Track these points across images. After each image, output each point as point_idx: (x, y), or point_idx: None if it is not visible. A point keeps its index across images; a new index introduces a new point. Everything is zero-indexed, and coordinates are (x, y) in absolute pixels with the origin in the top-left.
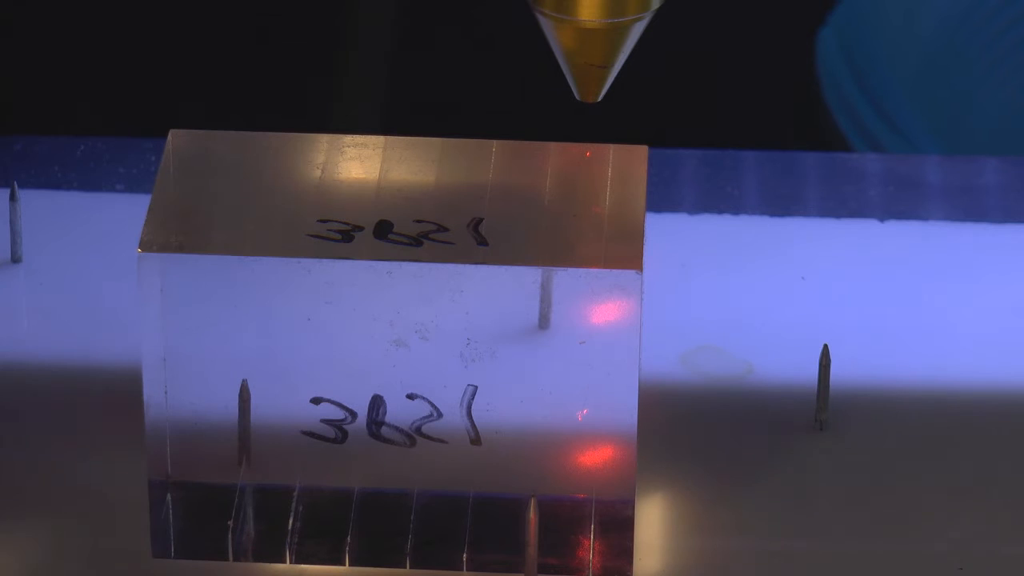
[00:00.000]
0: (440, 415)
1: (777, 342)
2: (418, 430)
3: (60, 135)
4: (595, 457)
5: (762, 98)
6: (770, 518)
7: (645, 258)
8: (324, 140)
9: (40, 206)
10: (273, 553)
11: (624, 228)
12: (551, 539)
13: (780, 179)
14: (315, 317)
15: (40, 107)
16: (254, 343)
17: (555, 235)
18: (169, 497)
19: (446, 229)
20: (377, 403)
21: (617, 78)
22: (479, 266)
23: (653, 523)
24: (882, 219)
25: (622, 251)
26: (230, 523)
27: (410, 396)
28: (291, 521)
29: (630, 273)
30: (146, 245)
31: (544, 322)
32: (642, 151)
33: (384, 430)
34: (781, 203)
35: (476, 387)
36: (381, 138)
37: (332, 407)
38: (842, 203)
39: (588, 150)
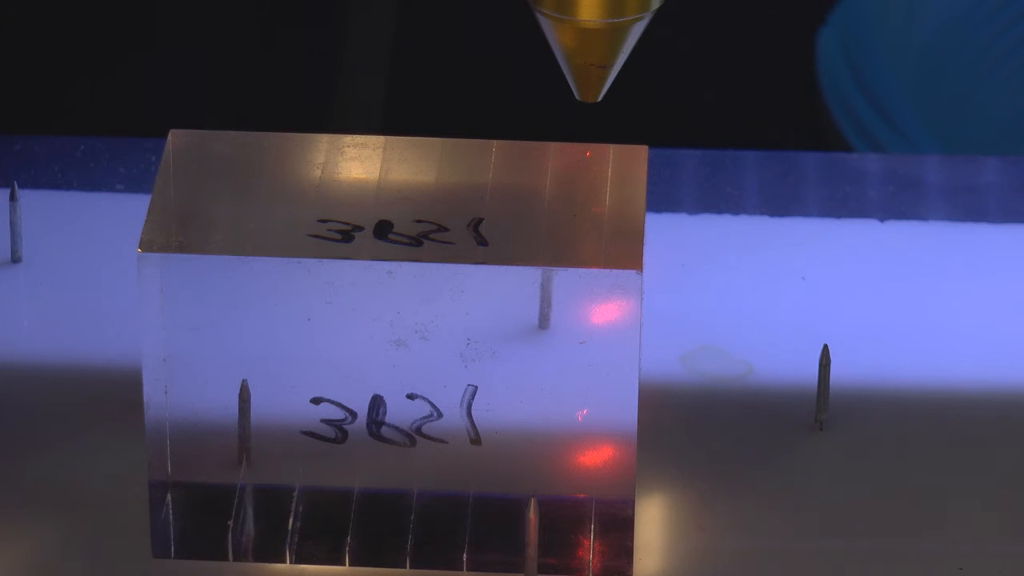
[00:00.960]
0: (440, 415)
1: (777, 342)
2: (418, 430)
3: (60, 135)
4: (595, 457)
5: (762, 98)
6: (770, 518)
7: (645, 258)
8: (324, 140)
9: (40, 206)
10: (273, 553)
11: (624, 228)
12: (551, 539)
13: (780, 179)
14: (315, 317)
15: (40, 107)
16: (254, 343)
17: (555, 235)
18: (169, 497)
19: (446, 229)
20: (377, 403)
21: (617, 78)
22: (479, 266)
23: (653, 523)
24: (882, 219)
25: (622, 251)
26: (230, 523)
27: (410, 396)
28: (291, 521)
29: (630, 273)
30: (146, 245)
31: (544, 322)
32: (642, 151)
33: (384, 430)
34: (781, 203)
35: (476, 387)
36: (381, 138)
37: (332, 407)
38: (842, 203)
39: (588, 150)
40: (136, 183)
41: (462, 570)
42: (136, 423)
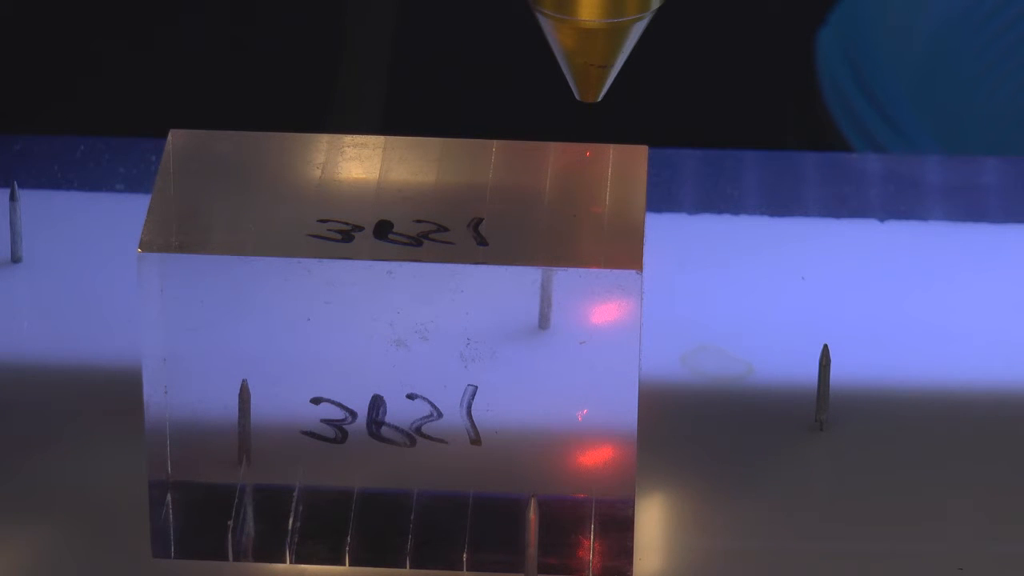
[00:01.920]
0: (440, 415)
1: (777, 342)
2: (418, 430)
3: (60, 135)
4: (595, 457)
5: (762, 98)
6: (770, 518)
7: (645, 258)
8: (324, 140)
9: (40, 206)
10: (273, 553)
11: (624, 228)
12: (551, 539)
13: (780, 179)
14: (315, 317)
15: (40, 107)
16: (254, 343)
17: (555, 235)
18: (169, 497)
19: (446, 229)
20: (377, 403)
21: (617, 78)
22: (479, 266)
23: (653, 523)
24: (882, 219)
25: (622, 251)
26: (230, 523)
27: (410, 396)
28: (291, 521)
29: (630, 273)
30: (146, 245)
31: (544, 322)
32: (642, 151)
33: (384, 430)
34: (781, 203)
35: (476, 387)
36: (381, 138)
37: (332, 407)
38: (842, 203)
39: (588, 150)
40: (136, 183)
41: (462, 570)
42: (136, 423)
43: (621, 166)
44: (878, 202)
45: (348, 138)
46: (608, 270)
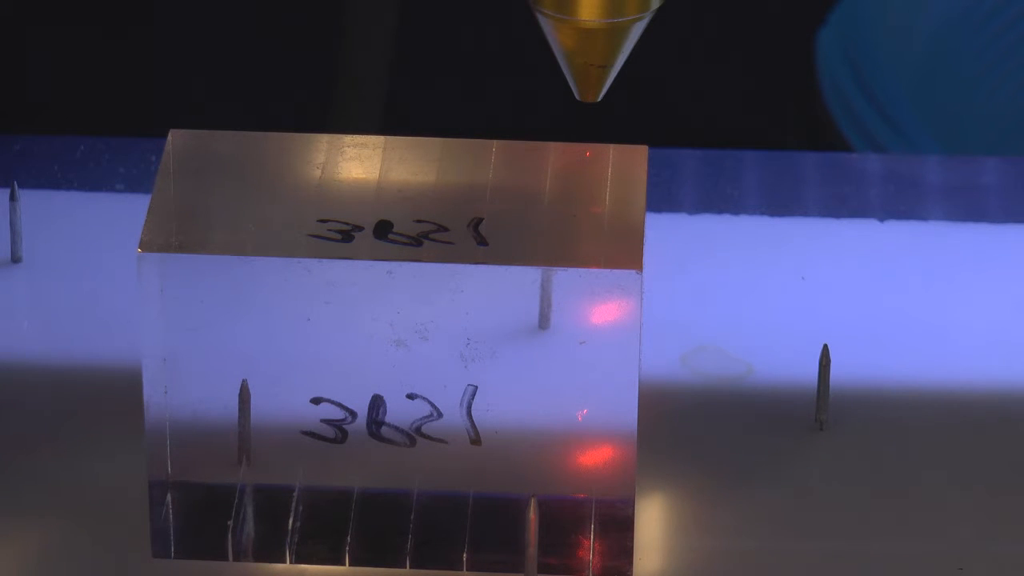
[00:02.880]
0: (440, 415)
1: (777, 342)
2: (418, 430)
3: (60, 135)
4: (595, 457)
5: (762, 98)
6: (770, 518)
7: (645, 258)
8: (324, 140)
9: (40, 206)
10: (273, 553)
11: (624, 228)
12: (551, 539)
13: (780, 179)
14: (315, 317)
15: (40, 107)
16: (254, 343)
17: (555, 235)
18: (169, 497)
19: (446, 229)
20: (377, 403)
21: (617, 78)
22: (479, 266)
23: (653, 523)
24: (882, 219)
25: (622, 251)
26: (230, 523)
27: (410, 396)
28: (291, 521)
29: (630, 273)
30: (146, 245)
31: (544, 322)
32: (642, 151)
33: (384, 430)
34: (781, 203)
35: (476, 387)
36: (381, 138)
37: (332, 407)
38: (842, 203)
39: (588, 150)
40: (136, 183)
41: (462, 570)
42: (136, 423)
43: (621, 166)
44: (878, 202)
45: (348, 138)
46: (608, 270)
